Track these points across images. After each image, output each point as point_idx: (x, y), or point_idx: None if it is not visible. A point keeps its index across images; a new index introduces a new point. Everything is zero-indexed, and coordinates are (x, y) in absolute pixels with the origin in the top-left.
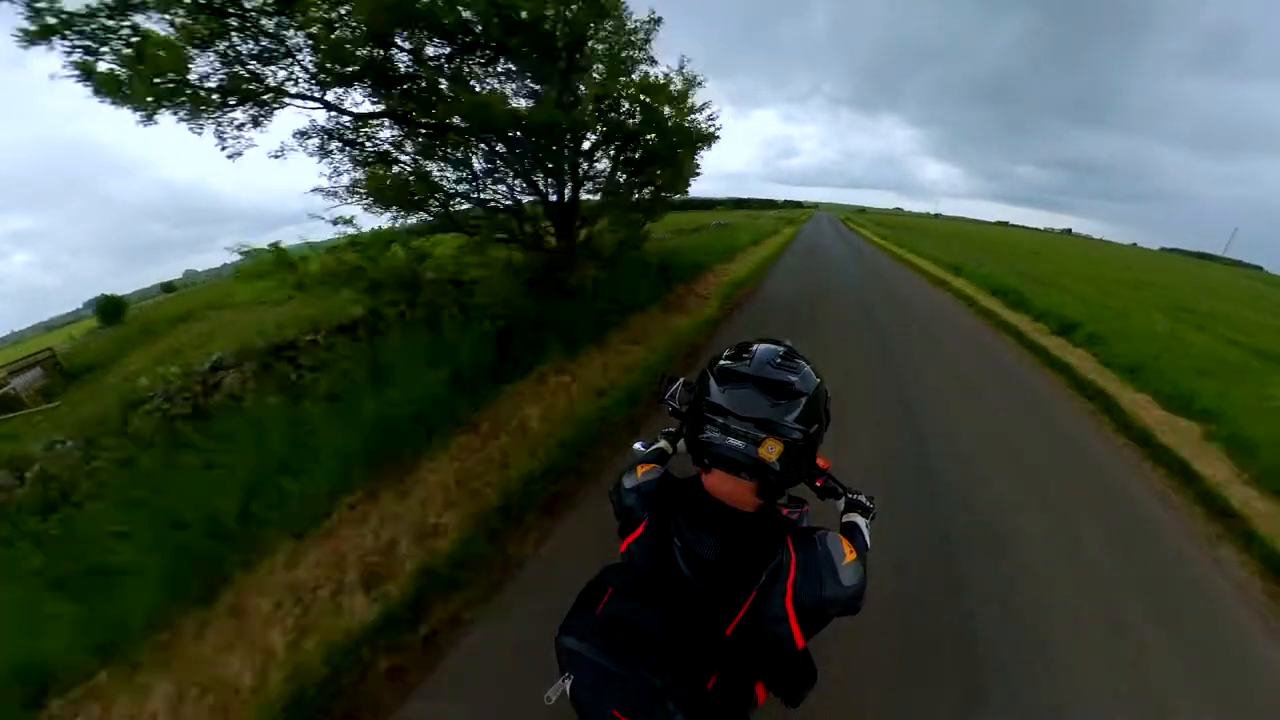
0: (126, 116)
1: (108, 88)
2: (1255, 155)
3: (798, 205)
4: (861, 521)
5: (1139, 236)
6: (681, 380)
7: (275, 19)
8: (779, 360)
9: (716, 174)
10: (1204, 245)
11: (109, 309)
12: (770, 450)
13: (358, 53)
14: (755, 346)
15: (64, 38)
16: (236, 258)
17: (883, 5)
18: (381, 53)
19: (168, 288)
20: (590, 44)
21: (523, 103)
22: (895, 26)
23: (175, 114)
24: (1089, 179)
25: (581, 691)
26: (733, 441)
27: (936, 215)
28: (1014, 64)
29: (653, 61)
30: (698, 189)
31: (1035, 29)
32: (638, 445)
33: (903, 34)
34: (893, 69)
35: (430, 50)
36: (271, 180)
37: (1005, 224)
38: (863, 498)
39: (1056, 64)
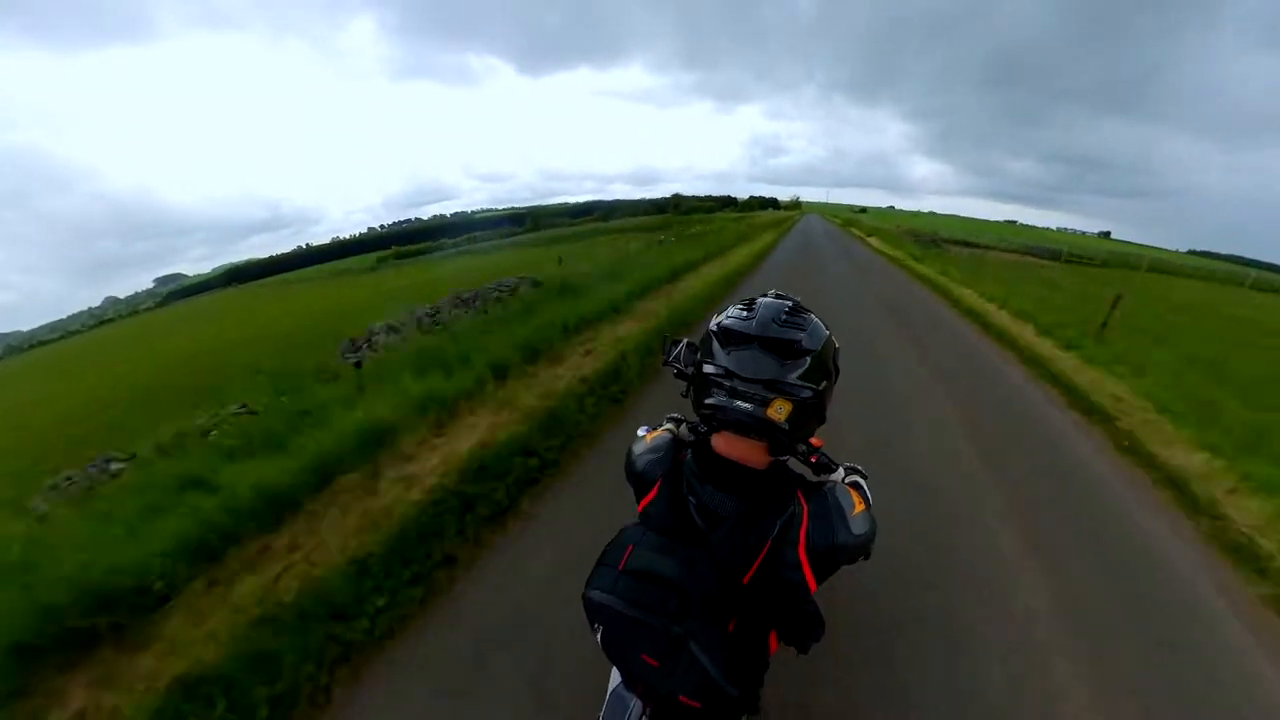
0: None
1: None
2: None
3: (769, 204)
4: (863, 481)
5: (1163, 238)
6: (685, 341)
7: None
8: (784, 317)
9: (700, 174)
10: (1236, 248)
11: None
12: (779, 410)
13: None
14: (759, 302)
15: None
16: (150, 285)
17: None
18: None
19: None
20: None
21: None
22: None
23: None
24: (1089, 174)
25: (611, 640)
26: (740, 404)
27: (931, 213)
28: (1040, 38)
29: None
30: (658, 189)
31: None
32: (641, 430)
33: (905, 8)
34: (894, 49)
35: None
36: (227, 188)
37: (1012, 223)
38: (859, 469)
39: (1098, 35)
